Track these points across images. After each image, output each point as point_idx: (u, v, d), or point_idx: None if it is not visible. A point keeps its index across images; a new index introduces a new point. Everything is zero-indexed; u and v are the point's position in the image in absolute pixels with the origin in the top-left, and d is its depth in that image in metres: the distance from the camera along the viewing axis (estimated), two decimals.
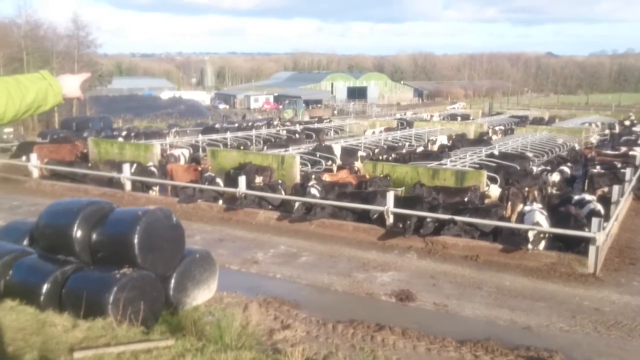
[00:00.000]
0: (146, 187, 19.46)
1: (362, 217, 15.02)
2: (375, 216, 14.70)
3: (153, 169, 20.43)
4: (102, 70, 65.45)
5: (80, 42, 52.44)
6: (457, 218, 13.10)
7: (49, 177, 21.84)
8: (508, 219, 14.89)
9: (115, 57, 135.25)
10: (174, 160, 23.91)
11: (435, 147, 29.15)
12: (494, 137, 35.83)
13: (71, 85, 3.08)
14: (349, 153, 25.88)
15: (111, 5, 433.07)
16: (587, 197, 15.32)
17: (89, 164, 22.64)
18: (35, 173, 21.74)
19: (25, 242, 8.37)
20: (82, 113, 50.67)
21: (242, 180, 16.61)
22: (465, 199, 15.45)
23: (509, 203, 15.56)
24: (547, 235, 12.45)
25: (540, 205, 14.11)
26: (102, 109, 54.68)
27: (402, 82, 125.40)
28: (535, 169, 20.88)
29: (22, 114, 2.83)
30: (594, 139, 35.78)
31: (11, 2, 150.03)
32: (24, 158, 23.55)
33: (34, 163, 21.76)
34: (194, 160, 23.94)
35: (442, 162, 20.84)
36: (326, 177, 18.69)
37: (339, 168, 22.34)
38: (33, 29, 49.77)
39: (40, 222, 7.78)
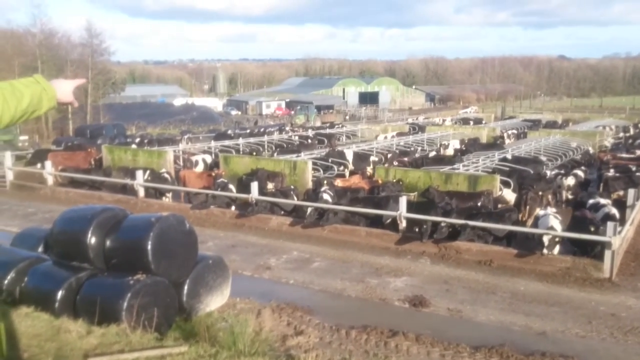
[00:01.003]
0: (159, 193, 19.56)
1: (375, 222, 14.98)
2: (388, 221, 14.66)
3: (166, 175, 20.54)
4: (115, 77, 66.01)
5: (94, 50, 52.90)
6: (471, 223, 13.02)
7: (64, 184, 22.04)
8: (524, 224, 14.78)
9: (128, 64, 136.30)
10: (190, 166, 24.03)
11: (448, 152, 29.04)
12: (507, 142, 35.63)
13: (65, 89, 3.06)
14: (361, 158, 25.83)
15: (124, 13, 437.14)
16: (602, 200, 15.17)
17: (104, 170, 22.78)
18: (50, 180, 21.94)
19: (40, 249, 8.45)
20: (96, 120, 51.08)
21: (254, 186, 16.64)
22: (479, 204, 15.36)
23: (527, 207, 15.46)
24: (561, 240, 12.34)
25: (554, 210, 13.99)
26: (115, 116, 55.01)
27: (413, 86, 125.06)
28: (549, 173, 20.71)
29: (18, 119, 2.83)
30: (608, 142, 35.42)
31: (26, 11, 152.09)
32: (38, 165, 23.79)
33: (48, 170, 21.97)
34: (216, 165, 23.87)
35: (455, 166, 20.74)
36: (338, 183, 18.67)
37: (351, 173, 22.33)
38: (47, 37, 50.29)
39: (55, 229, 7.83)
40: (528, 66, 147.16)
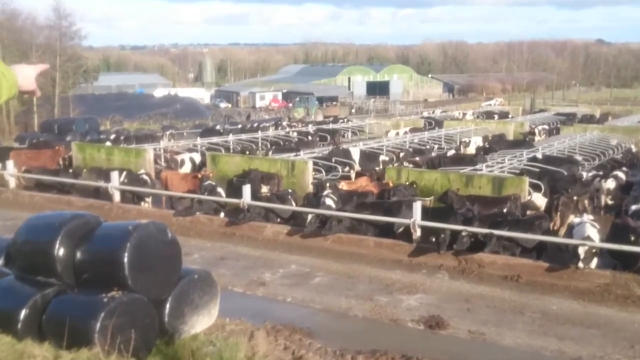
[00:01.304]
0: (138, 197, 19.58)
1: (385, 231, 14.99)
2: (400, 230, 14.66)
3: (145, 177, 20.53)
4: (87, 65, 66.16)
5: (63, 33, 53.06)
6: (496, 232, 13.00)
7: (28, 187, 22.05)
8: (556, 233, 14.76)
9: (102, 50, 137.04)
10: (174, 167, 24.00)
11: (469, 150, 29.05)
12: (537, 138, 35.66)
13: (27, 75, 3.04)
14: (369, 158, 25.87)
15: None
16: None
17: (71, 171, 22.76)
18: (12, 183, 21.94)
19: (1, 262, 8.44)
20: (65, 114, 51.19)
21: (246, 189, 16.65)
22: (504, 210, 15.36)
23: (559, 214, 15.44)
24: (599, 252, 12.32)
25: (591, 217, 13.98)
26: (87, 109, 55.16)
27: (429, 75, 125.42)
28: (585, 175, 20.71)
29: None
30: None
31: None
32: None
33: (10, 171, 21.98)
34: (204, 166, 23.78)
35: (477, 167, 20.76)
36: (343, 186, 18.69)
37: (358, 175, 22.34)
38: (9, 19, 50.50)
39: (18, 238, 7.83)
40: (561, 52, 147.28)
